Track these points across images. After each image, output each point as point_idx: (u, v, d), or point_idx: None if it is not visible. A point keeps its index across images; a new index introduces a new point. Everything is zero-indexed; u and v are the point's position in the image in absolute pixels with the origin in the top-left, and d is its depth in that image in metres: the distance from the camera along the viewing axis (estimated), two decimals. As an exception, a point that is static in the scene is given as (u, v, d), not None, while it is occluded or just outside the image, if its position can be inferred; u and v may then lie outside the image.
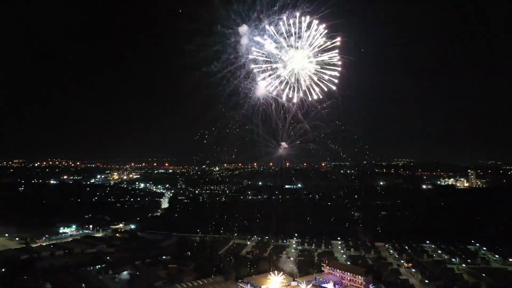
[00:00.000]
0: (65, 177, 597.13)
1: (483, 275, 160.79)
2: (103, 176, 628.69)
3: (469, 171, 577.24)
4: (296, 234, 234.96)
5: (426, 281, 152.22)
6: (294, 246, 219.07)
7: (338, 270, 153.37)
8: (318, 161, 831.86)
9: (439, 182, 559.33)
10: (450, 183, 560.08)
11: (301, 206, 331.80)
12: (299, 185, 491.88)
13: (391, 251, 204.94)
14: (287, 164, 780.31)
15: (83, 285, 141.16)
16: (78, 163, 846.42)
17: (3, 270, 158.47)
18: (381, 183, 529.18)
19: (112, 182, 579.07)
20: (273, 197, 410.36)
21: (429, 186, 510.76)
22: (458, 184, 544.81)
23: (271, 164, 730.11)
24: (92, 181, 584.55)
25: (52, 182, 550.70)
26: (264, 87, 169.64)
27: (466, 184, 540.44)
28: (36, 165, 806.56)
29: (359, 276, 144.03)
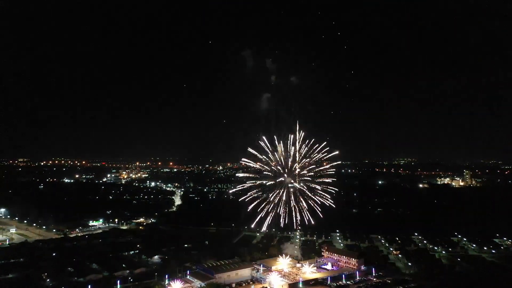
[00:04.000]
0: (77, 176, 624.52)
1: (458, 259, 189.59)
2: (113, 175, 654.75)
3: (464, 170, 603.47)
4: (299, 227, 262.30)
5: (410, 264, 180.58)
6: (298, 237, 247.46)
7: (335, 254, 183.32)
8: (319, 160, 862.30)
9: (436, 181, 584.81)
10: (446, 182, 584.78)
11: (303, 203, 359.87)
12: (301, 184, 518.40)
13: (383, 241, 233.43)
14: (289, 163, 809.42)
15: (123, 265, 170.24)
16: (83, 162, 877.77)
17: (54, 254, 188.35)
18: (380, 182, 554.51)
19: (123, 181, 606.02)
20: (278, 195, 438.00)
21: (425, 185, 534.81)
22: (453, 183, 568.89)
23: (273, 163, 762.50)
24: (104, 180, 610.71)
25: (66, 181, 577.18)
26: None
27: (462, 183, 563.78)
28: (42, 164, 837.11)
29: (353, 259, 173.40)
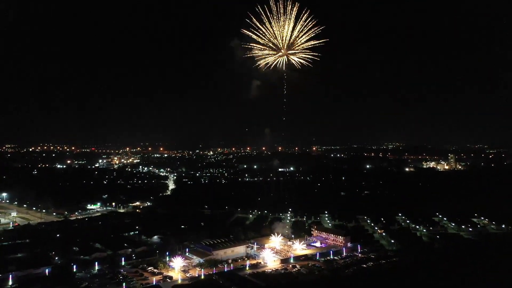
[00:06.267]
0: (68, 161, 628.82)
1: (438, 237, 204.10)
2: (105, 161, 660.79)
3: (449, 155, 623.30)
4: (290, 209, 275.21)
5: (393, 241, 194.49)
6: (288, 218, 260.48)
7: (324, 233, 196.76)
8: (309, 146, 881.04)
9: (422, 165, 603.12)
10: (431, 166, 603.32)
11: (293, 186, 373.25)
12: (292, 168, 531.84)
13: (369, 221, 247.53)
14: (280, 148, 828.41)
15: (125, 244, 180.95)
16: (73, 148, 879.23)
17: (58, 235, 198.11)
18: (368, 166, 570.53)
19: (115, 166, 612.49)
20: (268, 179, 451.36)
21: (411, 169, 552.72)
22: (438, 167, 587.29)
23: (263, 148, 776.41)
24: (96, 165, 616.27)
25: (59, 166, 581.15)
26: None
27: (446, 167, 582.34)
28: (31, 150, 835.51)
29: (340, 237, 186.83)
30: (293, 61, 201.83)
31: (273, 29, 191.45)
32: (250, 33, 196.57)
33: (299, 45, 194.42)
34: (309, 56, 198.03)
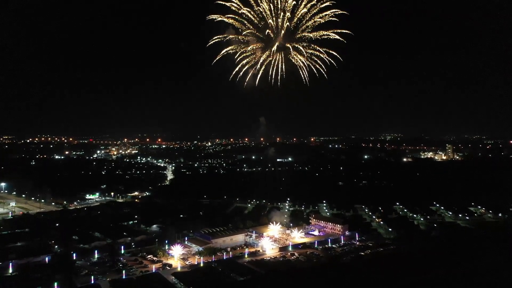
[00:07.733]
0: (66, 152, 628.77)
1: (435, 225, 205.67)
2: (103, 152, 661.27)
3: (447, 145, 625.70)
4: (288, 199, 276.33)
5: (390, 230, 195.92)
6: (287, 207, 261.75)
7: (322, 222, 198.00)
8: (307, 136, 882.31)
9: (420, 156, 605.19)
10: (429, 156, 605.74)
11: (292, 176, 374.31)
12: (290, 159, 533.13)
13: (366, 210, 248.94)
14: (278, 139, 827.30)
15: (125, 233, 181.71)
16: (71, 139, 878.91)
17: (57, 225, 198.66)
18: (366, 156, 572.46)
19: (114, 157, 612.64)
20: (266, 169, 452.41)
21: (409, 160, 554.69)
22: (436, 157, 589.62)
23: (262, 139, 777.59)
24: (94, 156, 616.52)
25: (57, 157, 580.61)
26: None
27: (444, 157, 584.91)
28: (28, 141, 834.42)
29: (338, 225, 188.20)
30: (295, 61, 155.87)
31: (261, 8, 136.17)
32: (223, 18, 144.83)
33: (303, 33, 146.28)
34: (320, 54, 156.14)
